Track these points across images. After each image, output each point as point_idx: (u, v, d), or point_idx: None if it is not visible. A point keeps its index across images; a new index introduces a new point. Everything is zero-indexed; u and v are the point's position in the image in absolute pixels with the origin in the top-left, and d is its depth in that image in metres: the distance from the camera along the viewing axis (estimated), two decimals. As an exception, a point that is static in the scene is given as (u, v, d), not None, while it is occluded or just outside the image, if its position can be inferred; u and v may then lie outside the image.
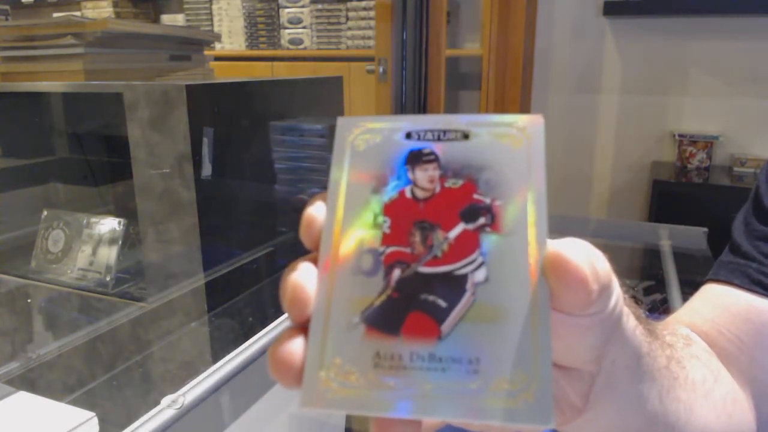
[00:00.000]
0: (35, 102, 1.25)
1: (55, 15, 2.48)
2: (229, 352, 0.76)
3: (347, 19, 2.69)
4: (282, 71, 2.72)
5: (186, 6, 2.98)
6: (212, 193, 0.94)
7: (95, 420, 0.59)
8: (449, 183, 0.22)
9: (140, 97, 0.90)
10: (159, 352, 0.94)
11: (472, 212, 0.22)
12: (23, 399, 0.62)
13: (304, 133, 1.20)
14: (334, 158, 0.24)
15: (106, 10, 2.91)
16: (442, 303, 0.20)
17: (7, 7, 1.49)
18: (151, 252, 0.96)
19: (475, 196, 0.22)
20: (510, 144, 0.23)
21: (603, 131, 2.50)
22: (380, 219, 0.22)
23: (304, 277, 0.21)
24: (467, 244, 0.21)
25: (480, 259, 0.21)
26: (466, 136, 0.23)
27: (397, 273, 0.21)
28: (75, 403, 0.62)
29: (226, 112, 0.98)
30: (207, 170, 0.93)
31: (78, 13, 2.88)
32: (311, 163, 1.22)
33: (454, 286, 0.21)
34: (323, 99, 1.27)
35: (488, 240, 0.21)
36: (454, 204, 0.22)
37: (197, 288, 0.95)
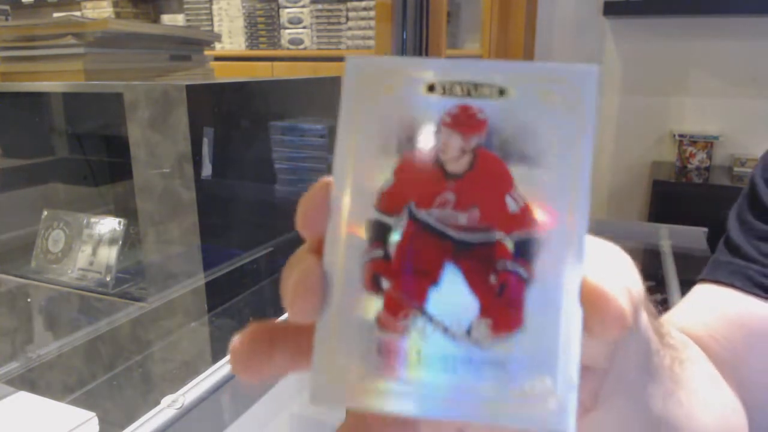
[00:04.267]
0: (35, 102, 1.25)
1: (55, 15, 2.48)
2: (229, 352, 0.75)
3: (347, 19, 2.69)
4: (282, 71, 2.72)
5: (186, 6, 2.98)
6: (212, 193, 0.94)
7: (95, 420, 0.59)
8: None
9: (140, 97, 0.90)
10: (159, 352, 0.94)
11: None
12: (23, 399, 0.62)
13: (304, 133, 1.20)
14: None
15: (106, 10, 2.91)
16: None
17: (7, 7, 1.49)
18: (151, 252, 0.96)
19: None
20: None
21: (603, 131, 2.50)
22: None
23: (311, 270, 0.19)
24: None
25: None
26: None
27: None
28: (75, 403, 0.62)
29: (226, 112, 0.98)
30: (207, 170, 0.92)
31: (78, 13, 2.88)
32: (311, 163, 1.22)
33: None
34: (323, 99, 1.27)
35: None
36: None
37: (197, 288, 0.95)
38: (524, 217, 0.19)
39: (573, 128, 0.19)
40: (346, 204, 0.19)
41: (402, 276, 0.19)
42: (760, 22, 2.16)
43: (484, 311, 0.18)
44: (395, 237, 0.19)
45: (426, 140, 0.19)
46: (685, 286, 1.01)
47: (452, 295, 0.19)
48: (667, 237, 1.34)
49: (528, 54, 2.39)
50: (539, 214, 0.19)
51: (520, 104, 0.19)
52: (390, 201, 0.19)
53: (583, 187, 0.19)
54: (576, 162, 0.19)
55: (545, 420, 0.18)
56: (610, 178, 2.52)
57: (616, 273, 0.19)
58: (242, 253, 1.04)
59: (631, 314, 0.19)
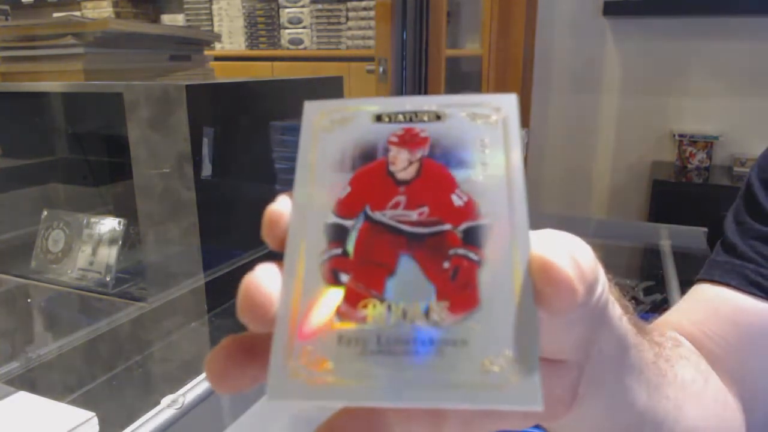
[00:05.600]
0: (35, 102, 1.25)
1: (55, 15, 2.48)
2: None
3: (347, 19, 2.69)
4: (282, 71, 2.72)
5: (186, 6, 2.98)
6: (212, 193, 0.94)
7: (95, 420, 0.59)
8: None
9: (140, 97, 0.90)
10: (159, 352, 0.94)
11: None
12: (23, 399, 0.62)
13: (304, 133, 1.20)
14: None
15: (106, 10, 2.91)
16: None
17: (7, 7, 1.49)
18: (151, 252, 0.96)
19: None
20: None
21: (603, 131, 2.50)
22: None
23: (264, 275, 0.20)
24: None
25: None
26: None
27: None
28: (75, 403, 0.62)
29: (226, 112, 0.98)
30: (207, 170, 0.93)
31: (78, 13, 2.88)
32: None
33: None
34: (323, 99, 1.27)
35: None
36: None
37: (197, 288, 0.95)
38: (469, 210, 0.21)
39: (500, 137, 0.22)
40: (305, 211, 0.21)
41: (360, 268, 0.20)
42: (760, 22, 2.16)
43: (441, 294, 0.19)
44: (353, 235, 0.20)
45: (377, 156, 0.22)
46: (685, 286, 1.01)
47: (409, 281, 0.20)
48: (667, 237, 1.34)
49: (528, 54, 2.38)
50: (482, 206, 0.21)
51: (453, 124, 0.22)
52: (346, 206, 0.21)
53: (518, 180, 0.21)
54: (507, 161, 0.21)
55: (515, 396, 0.18)
56: (610, 178, 2.52)
57: (563, 249, 0.20)
58: (242, 253, 1.05)
59: (579, 282, 0.19)
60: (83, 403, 0.65)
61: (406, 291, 0.20)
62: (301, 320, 0.19)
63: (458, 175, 0.21)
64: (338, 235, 0.20)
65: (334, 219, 0.21)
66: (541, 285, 0.19)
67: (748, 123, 2.26)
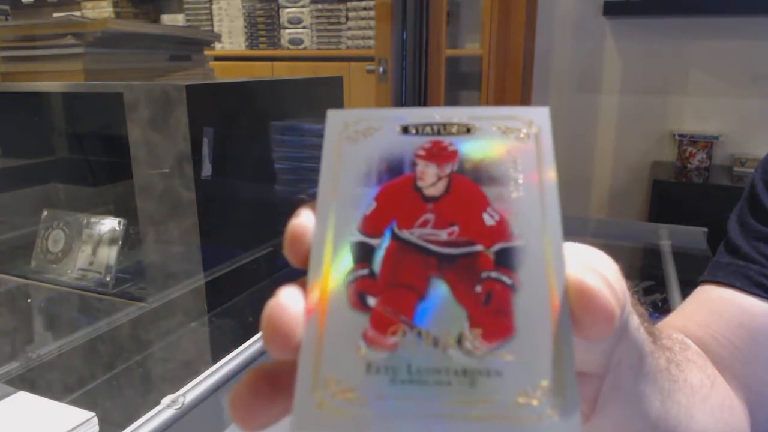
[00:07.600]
0: (35, 102, 1.25)
1: (55, 15, 2.48)
2: (229, 352, 0.76)
3: (347, 19, 2.69)
4: (282, 71, 2.72)
5: (186, 6, 2.98)
6: (212, 193, 0.94)
7: (95, 420, 0.59)
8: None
9: (140, 97, 0.90)
10: (159, 352, 0.94)
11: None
12: (23, 399, 0.62)
13: (304, 133, 1.20)
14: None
15: (106, 10, 2.91)
16: None
17: (7, 7, 1.49)
18: (151, 252, 0.96)
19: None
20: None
21: (603, 131, 2.50)
22: None
23: (288, 299, 0.19)
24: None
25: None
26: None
27: None
28: (75, 403, 0.62)
29: (226, 112, 0.98)
30: (207, 170, 0.93)
31: (78, 13, 2.88)
32: (311, 163, 1.22)
33: None
34: (323, 99, 1.27)
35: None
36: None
37: (197, 288, 0.95)
38: (502, 230, 0.20)
39: (533, 152, 0.21)
40: (329, 228, 0.20)
41: (388, 292, 0.19)
42: (760, 22, 2.16)
43: (474, 320, 0.18)
44: (379, 255, 0.19)
45: (404, 170, 0.21)
46: (685, 285, 1.01)
47: (440, 307, 0.19)
48: (667, 237, 1.34)
49: (528, 54, 2.38)
50: (515, 226, 0.20)
51: (484, 137, 0.21)
52: (372, 223, 0.20)
53: (552, 199, 0.20)
54: (541, 178, 0.20)
55: (552, 428, 0.17)
56: (610, 179, 2.52)
57: (598, 271, 0.19)
58: (242, 253, 1.04)
59: (617, 307, 0.19)
60: (83, 403, 0.65)
61: (438, 317, 0.18)
62: (326, 347, 0.18)
63: (489, 192, 0.20)
64: (364, 254, 0.19)
65: (359, 237, 0.20)
66: (580, 313, 0.18)
67: (748, 123, 2.26)
